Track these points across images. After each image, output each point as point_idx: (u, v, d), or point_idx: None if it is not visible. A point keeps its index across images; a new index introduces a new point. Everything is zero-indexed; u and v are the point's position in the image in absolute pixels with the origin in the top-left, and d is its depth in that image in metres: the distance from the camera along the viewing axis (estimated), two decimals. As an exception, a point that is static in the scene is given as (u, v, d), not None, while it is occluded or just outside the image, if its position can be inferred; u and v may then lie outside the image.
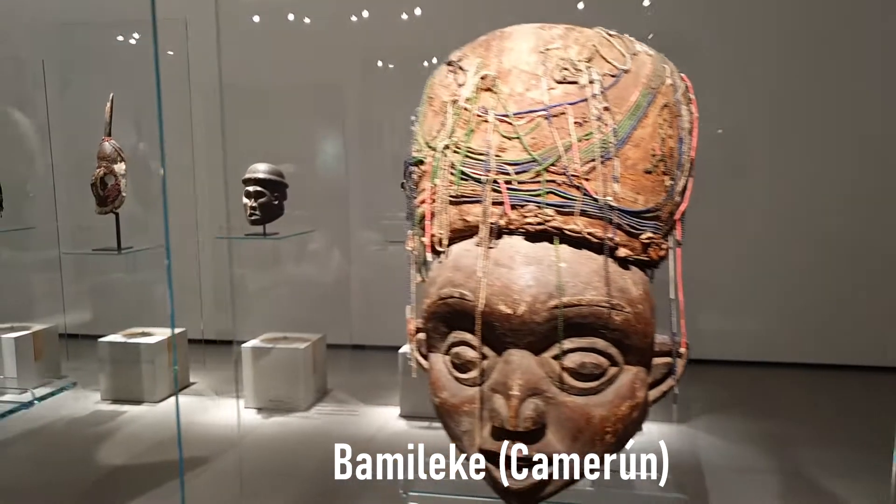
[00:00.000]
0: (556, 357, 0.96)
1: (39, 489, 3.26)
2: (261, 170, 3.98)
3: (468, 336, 1.00)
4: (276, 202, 3.99)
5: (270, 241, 4.18)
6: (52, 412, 4.21)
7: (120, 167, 4.11)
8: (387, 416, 3.99)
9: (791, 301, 4.65)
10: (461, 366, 1.02)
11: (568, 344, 0.95)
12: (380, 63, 4.83)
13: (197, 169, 4.65)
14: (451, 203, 1.03)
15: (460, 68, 1.07)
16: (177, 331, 4.50)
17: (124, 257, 4.26)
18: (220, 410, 4.16)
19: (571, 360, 0.96)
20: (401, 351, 4.00)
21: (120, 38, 4.98)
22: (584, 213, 0.96)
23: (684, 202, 1.05)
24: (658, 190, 1.01)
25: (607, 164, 0.96)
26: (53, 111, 4.42)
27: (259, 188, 3.93)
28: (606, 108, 0.97)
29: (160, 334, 4.43)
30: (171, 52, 4.62)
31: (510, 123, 0.99)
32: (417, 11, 4.71)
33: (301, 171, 4.58)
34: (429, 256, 1.08)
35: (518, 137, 0.98)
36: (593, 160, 0.96)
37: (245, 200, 3.96)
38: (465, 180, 1.02)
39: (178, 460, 3.42)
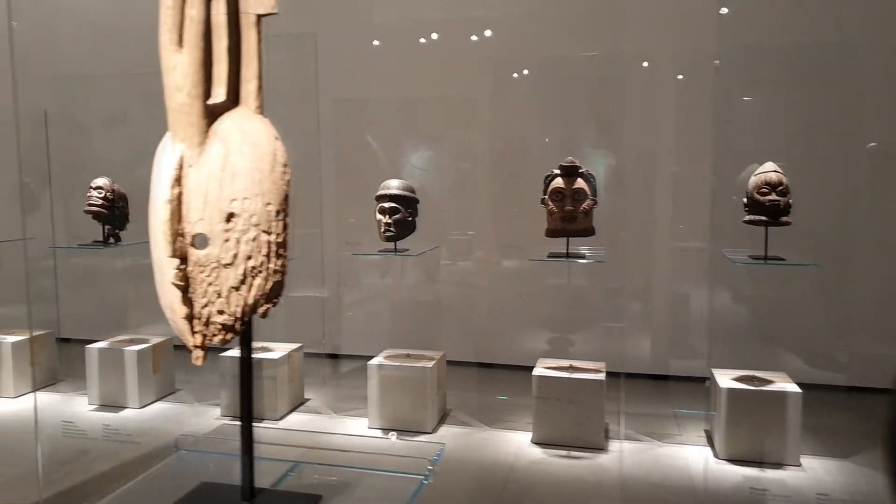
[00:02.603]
0: None
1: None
2: (394, 186, 3.90)
3: None
4: (409, 218, 3.90)
5: (399, 257, 4.08)
6: (170, 425, 4.15)
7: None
8: (519, 442, 3.83)
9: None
10: None
11: None
12: (515, 75, 4.73)
13: (324, 184, 4.61)
14: None
15: None
16: (294, 346, 4.45)
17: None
18: (341, 429, 4.06)
19: None
20: (535, 373, 3.86)
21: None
22: None
23: None
24: None
25: None
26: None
27: (393, 204, 3.84)
28: None
29: (281, 349, 4.38)
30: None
31: None
32: (541, 21, 4.60)
33: (425, 186, 4.49)
34: None
35: None
36: None
37: (379, 216, 3.88)
38: None
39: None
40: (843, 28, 4.24)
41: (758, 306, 4.34)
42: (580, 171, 3.59)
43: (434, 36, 4.65)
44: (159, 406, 4.49)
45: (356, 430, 4.02)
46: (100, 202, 4.30)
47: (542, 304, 4.73)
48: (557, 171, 3.63)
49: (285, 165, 1.59)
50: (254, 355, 4.54)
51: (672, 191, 4.65)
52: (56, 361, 4.96)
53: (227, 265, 1.53)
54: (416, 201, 3.96)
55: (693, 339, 4.61)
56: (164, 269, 1.57)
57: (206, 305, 1.55)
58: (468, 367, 4.84)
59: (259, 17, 1.59)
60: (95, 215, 4.35)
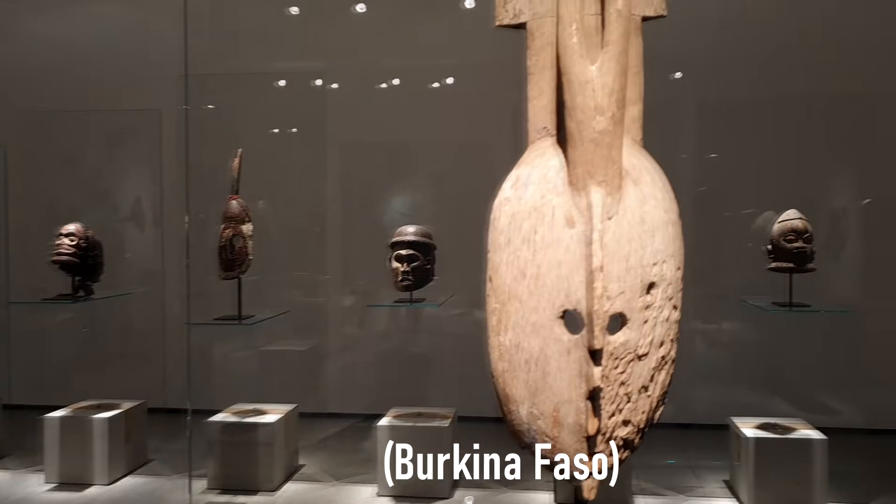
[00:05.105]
0: None
1: None
2: (411, 232, 3.70)
3: None
4: (428, 265, 3.70)
5: (417, 308, 3.86)
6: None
7: (247, 228, 3.78)
8: (542, 501, 3.61)
9: None
10: None
11: None
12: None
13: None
14: None
15: None
16: (289, 407, 4.07)
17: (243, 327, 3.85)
18: (345, 497, 3.70)
19: None
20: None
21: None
22: None
23: None
24: None
25: None
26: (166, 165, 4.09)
27: (412, 251, 3.64)
28: None
29: (275, 411, 3.98)
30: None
31: None
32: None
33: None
34: None
35: None
36: None
37: (395, 264, 3.66)
38: None
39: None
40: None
41: (772, 353, 4.37)
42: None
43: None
44: (130, 481, 3.96)
45: (356, 497, 3.67)
46: (71, 251, 3.83)
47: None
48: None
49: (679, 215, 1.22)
50: (246, 419, 4.11)
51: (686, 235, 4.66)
52: (3, 433, 4.31)
53: (641, 356, 1.13)
54: (434, 248, 3.77)
55: (700, 386, 4.57)
56: (554, 361, 1.14)
57: (613, 414, 1.14)
58: (480, 422, 4.59)
59: (643, 20, 1.22)
60: (64, 265, 3.86)
